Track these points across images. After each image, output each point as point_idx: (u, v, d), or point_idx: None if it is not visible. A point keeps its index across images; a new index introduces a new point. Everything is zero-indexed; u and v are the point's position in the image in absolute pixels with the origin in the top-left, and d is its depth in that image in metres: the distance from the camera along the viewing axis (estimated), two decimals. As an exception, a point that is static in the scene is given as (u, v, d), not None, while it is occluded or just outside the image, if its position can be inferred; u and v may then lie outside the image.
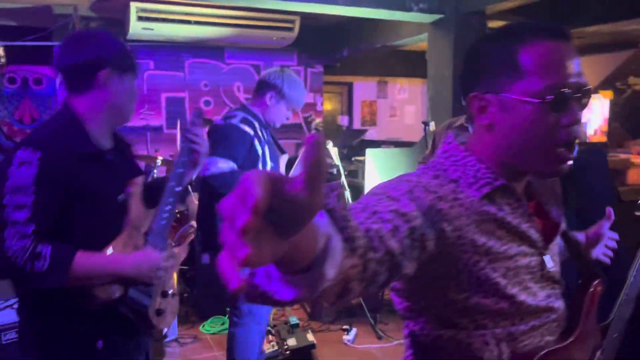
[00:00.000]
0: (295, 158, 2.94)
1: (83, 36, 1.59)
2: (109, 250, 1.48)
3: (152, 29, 5.02)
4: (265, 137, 2.63)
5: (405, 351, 1.07)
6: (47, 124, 1.53)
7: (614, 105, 5.78)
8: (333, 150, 4.53)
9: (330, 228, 0.63)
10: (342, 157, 4.91)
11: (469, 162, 0.99)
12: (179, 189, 1.64)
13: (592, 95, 5.59)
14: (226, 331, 3.78)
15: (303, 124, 6.55)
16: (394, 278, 0.84)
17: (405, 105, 8.88)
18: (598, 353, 1.12)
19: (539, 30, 0.93)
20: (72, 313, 1.47)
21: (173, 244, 1.75)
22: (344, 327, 3.82)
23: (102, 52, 1.50)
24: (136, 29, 4.98)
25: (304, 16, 5.44)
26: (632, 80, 6.09)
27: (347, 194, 4.60)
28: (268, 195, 0.46)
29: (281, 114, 2.66)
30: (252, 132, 2.54)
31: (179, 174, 1.65)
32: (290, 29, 5.52)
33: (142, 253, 1.53)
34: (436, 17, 4.26)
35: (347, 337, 3.68)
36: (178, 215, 4.64)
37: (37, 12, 5.25)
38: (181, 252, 1.78)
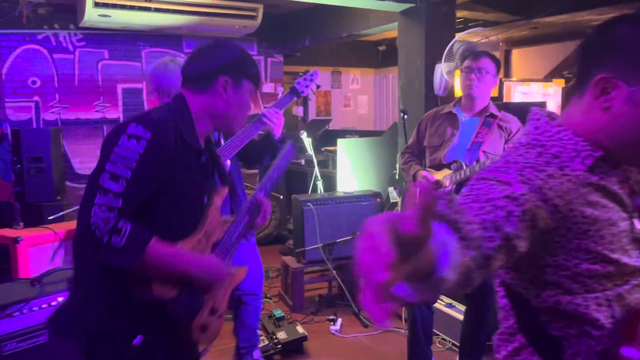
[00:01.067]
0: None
1: (210, 45, 1.59)
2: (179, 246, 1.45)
3: (109, 16, 4.77)
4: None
5: (506, 320, 1.10)
6: (160, 109, 1.52)
7: (566, 93, 6.06)
8: (307, 141, 4.49)
9: (444, 234, 0.73)
10: (314, 148, 4.88)
11: (564, 136, 1.01)
12: (257, 208, 1.69)
13: (547, 84, 5.79)
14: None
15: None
16: (511, 259, 0.89)
17: (357, 95, 8.94)
18: None
19: None
20: (122, 304, 1.43)
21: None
22: (330, 317, 3.80)
23: (225, 59, 1.53)
24: (92, 15, 4.71)
25: (268, 4, 5.33)
26: (578, 68, 6.42)
27: (320, 184, 4.57)
28: (395, 247, 0.58)
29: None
30: None
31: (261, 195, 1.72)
32: (253, 17, 5.40)
33: (213, 259, 1.52)
34: (406, 5, 4.28)
35: (334, 327, 3.66)
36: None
37: (-22, -4, 4.85)
38: (241, 273, 1.74)
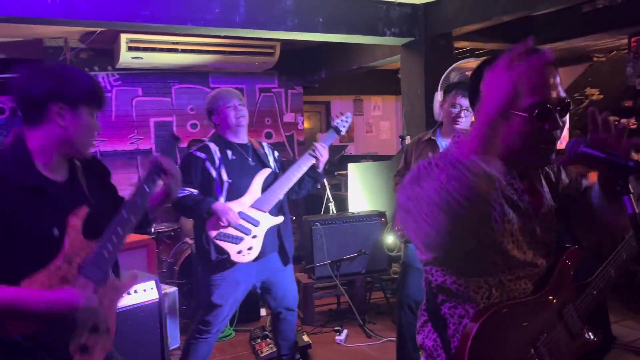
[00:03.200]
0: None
1: (39, 69, 1.53)
2: (25, 284, 1.41)
3: (142, 58, 5.32)
4: (230, 156, 2.88)
5: (442, 308, 1.33)
6: None
7: (573, 114, 6.24)
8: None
9: None
10: (326, 172, 5.24)
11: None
12: (132, 218, 1.59)
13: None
14: (225, 339, 4.06)
15: (286, 142, 6.88)
16: None
17: (379, 122, 9.29)
18: (570, 306, 1.39)
19: (530, 56, 1.09)
20: None
21: (114, 276, 1.64)
22: (336, 328, 4.10)
23: (54, 85, 1.46)
24: (126, 58, 5.27)
25: (284, 42, 5.80)
26: (589, 91, 6.58)
27: (332, 205, 4.92)
28: None
29: (228, 117, 2.89)
30: (204, 156, 2.83)
31: (133, 204, 1.60)
32: (271, 54, 5.88)
33: (62, 291, 1.42)
34: (407, 39, 4.64)
35: (339, 337, 3.96)
36: (172, 233, 4.89)
37: (29, 44, 5.50)
38: (126, 284, 1.69)
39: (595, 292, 1.45)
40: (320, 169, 3.02)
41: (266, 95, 6.72)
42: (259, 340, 3.81)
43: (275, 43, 5.81)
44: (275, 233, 2.97)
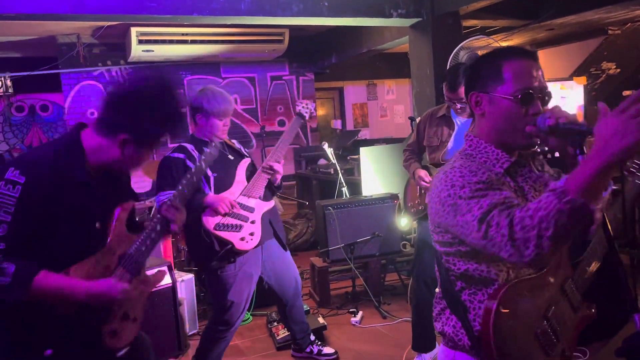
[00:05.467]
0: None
1: (122, 97, 1.61)
2: (72, 271, 1.55)
3: (152, 51, 5.39)
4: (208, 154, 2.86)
5: (462, 295, 1.41)
6: (47, 146, 1.64)
7: (590, 90, 6.14)
8: (329, 151, 4.87)
9: None
10: (338, 157, 5.26)
11: (489, 149, 1.40)
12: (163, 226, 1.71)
13: (563, 86, 5.90)
14: (243, 323, 4.13)
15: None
16: None
17: (394, 105, 9.24)
18: (569, 281, 1.48)
19: (515, 53, 1.36)
20: (25, 319, 1.55)
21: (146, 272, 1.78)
22: (351, 310, 4.14)
23: (130, 119, 1.56)
24: (137, 51, 5.34)
25: (293, 28, 5.81)
26: (605, 65, 6.45)
27: (345, 189, 4.94)
28: None
29: (216, 127, 2.84)
30: (182, 156, 2.77)
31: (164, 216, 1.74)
32: (280, 41, 5.89)
33: (101, 282, 1.56)
34: (414, 20, 4.61)
35: (354, 319, 4.00)
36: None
37: (42, 42, 5.61)
38: (156, 278, 1.84)
39: (587, 268, 1.56)
40: (277, 183, 3.01)
41: (278, 83, 6.74)
42: (275, 324, 3.87)
43: (283, 30, 5.82)
44: (267, 220, 2.97)
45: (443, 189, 1.31)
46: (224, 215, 2.74)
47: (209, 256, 2.78)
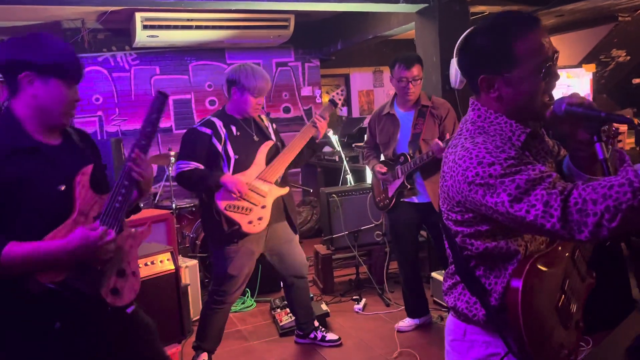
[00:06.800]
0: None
1: (15, 40, 1.58)
2: (48, 238, 1.52)
3: (157, 36, 5.36)
4: (234, 132, 2.90)
5: (450, 263, 1.43)
6: None
7: (599, 77, 6.06)
8: (334, 138, 4.85)
9: None
10: (343, 145, 5.23)
11: (501, 120, 1.32)
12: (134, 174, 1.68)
13: (573, 71, 5.80)
14: (246, 309, 4.15)
15: (303, 115, 6.88)
16: None
17: (401, 93, 9.17)
18: (577, 251, 1.46)
19: (521, 26, 1.25)
20: (24, 296, 1.52)
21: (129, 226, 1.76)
22: (354, 297, 4.15)
23: (23, 55, 1.52)
24: (142, 37, 5.31)
25: (298, 14, 5.75)
26: (615, 52, 6.36)
27: (350, 177, 4.92)
28: None
29: (247, 103, 2.90)
30: (209, 132, 2.84)
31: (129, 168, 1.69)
32: (285, 27, 5.84)
33: (74, 234, 1.52)
34: (421, 6, 4.55)
35: (357, 306, 4.01)
36: (193, 209, 4.99)
37: (46, 27, 5.58)
38: (144, 232, 1.81)
39: None
40: (318, 140, 3.13)
41: (283, 70, 6.70)
42: (278, 310, 3.89)
43: (289, 16, 5.77)
44: (280, 204, 3.03)
45: (469, 166, 1.21)
46: (236, 196, 2.79)
47: (217, 230, 2.87)
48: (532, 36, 1.25)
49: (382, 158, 3.51)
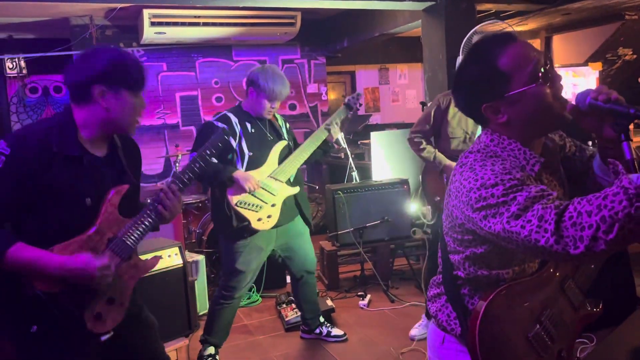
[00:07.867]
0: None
1: (85, 55, 1.62)
2: (57, 249, 1.53)
3: (165, 33, 5.39)
4: (249, 129, 2.94)
5: (462, 289, 1.39)
6: (42, 121, 1.63)
7: (605, 76, 6.05)
8: (340, 136, 4.86)
9: None
10: (349, 142, 5.26)
11: (515, 147, 1.28)
12: (160, 209, 1.68)
13: (579, 69, 5.80)
14: (252, 305, 4.18)
15: (310, 114, 6.90)
16: None
17: (406, 90, 9.18)
18: (570, 280, 1.43)
19: (497, 45, 1.23)
20: (10, 296, 1.55)
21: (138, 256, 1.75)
22: (359, 293, 4.18)
23: (96, 69, 1.55)
24: (149, 33, 5.35)
25: (304, 11, 5.77)
26: (622, 50, 6.35)
27: (355, 174, 4.94)
28: None
29: (261, 105, 2.93)
30: (225, 127, 2.87)
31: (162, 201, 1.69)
32: (292, 24, 5.86)
33: (78, 257, 1.52)
34: (427, 4, 4.56)
35: (362, 302, 4.04)
36: (200, 205, 5.03)
37: (55, 24, 5.62)
38: (148, 264, 1.79)
39: (592, 265, 1.50)
40: (332, 142, 3.17)
41: (289, 67, 6.72)
42: (284, 306, 3.92)
43: (295, 13, 5.79)
44: (293, 202, 3.08)
45: (472, 188, 1.18)
46: (248, 193, 2.84)
47: (227, 225, 2.90)
48: (511, 49, 1.22)
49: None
